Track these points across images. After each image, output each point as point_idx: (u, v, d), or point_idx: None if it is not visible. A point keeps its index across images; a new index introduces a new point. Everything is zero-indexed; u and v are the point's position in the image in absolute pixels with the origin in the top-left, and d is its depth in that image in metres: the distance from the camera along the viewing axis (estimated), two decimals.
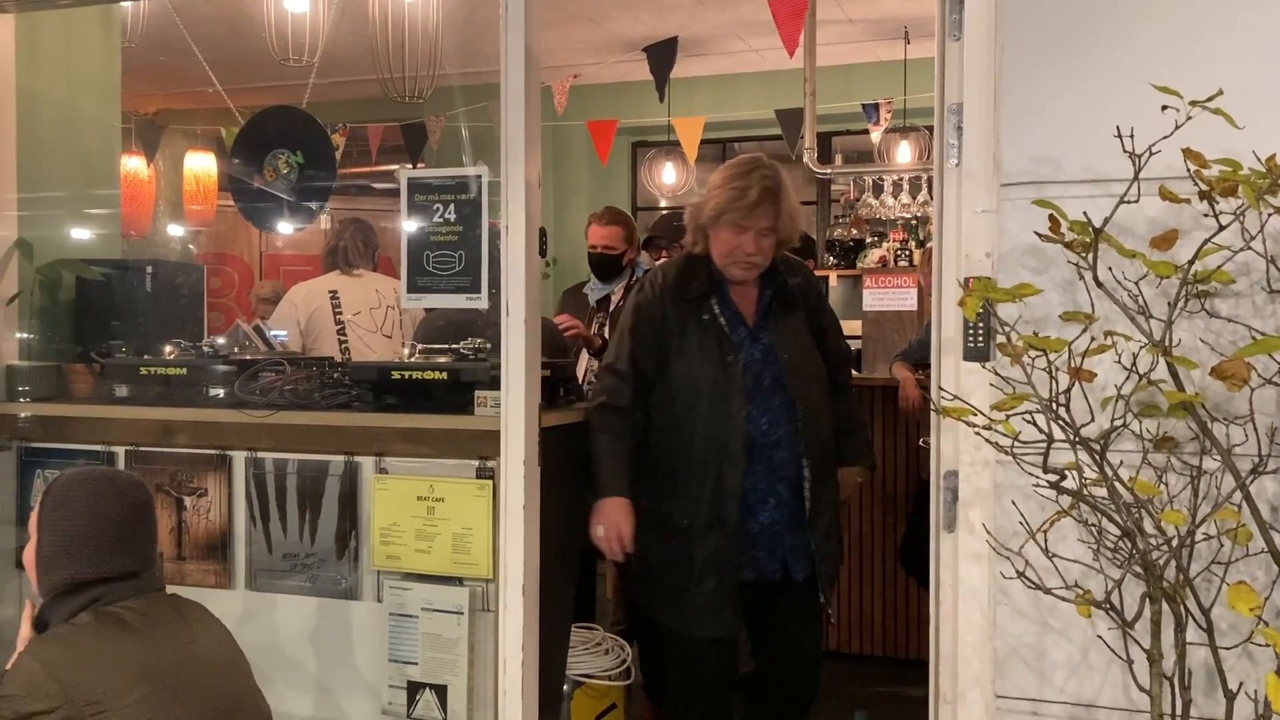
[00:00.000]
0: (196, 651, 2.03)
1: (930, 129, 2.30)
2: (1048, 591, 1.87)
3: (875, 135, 6.59)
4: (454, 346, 2.95)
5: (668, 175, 7.48)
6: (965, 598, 2.18)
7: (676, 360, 2.79)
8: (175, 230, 6.62)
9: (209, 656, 2.05)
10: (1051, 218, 1.82)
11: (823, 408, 2.83)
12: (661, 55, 5.59)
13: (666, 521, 2.77)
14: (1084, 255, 1.81)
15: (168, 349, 3.18)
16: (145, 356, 3.19)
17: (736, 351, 2.77)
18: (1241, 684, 1.82)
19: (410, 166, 5.85)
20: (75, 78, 3.53)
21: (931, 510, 2.25)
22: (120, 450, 3.02)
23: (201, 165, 6.16)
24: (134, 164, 5.96)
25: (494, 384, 2.62)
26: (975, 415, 1.85)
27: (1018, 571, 1.88)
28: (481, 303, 2.74)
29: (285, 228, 3.47)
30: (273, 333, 3.80)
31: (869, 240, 7.20)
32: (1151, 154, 1.78)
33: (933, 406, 2.20)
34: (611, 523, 2.74)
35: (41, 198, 3.28)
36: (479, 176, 2.73)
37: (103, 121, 3.72)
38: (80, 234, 3.59)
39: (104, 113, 3.73)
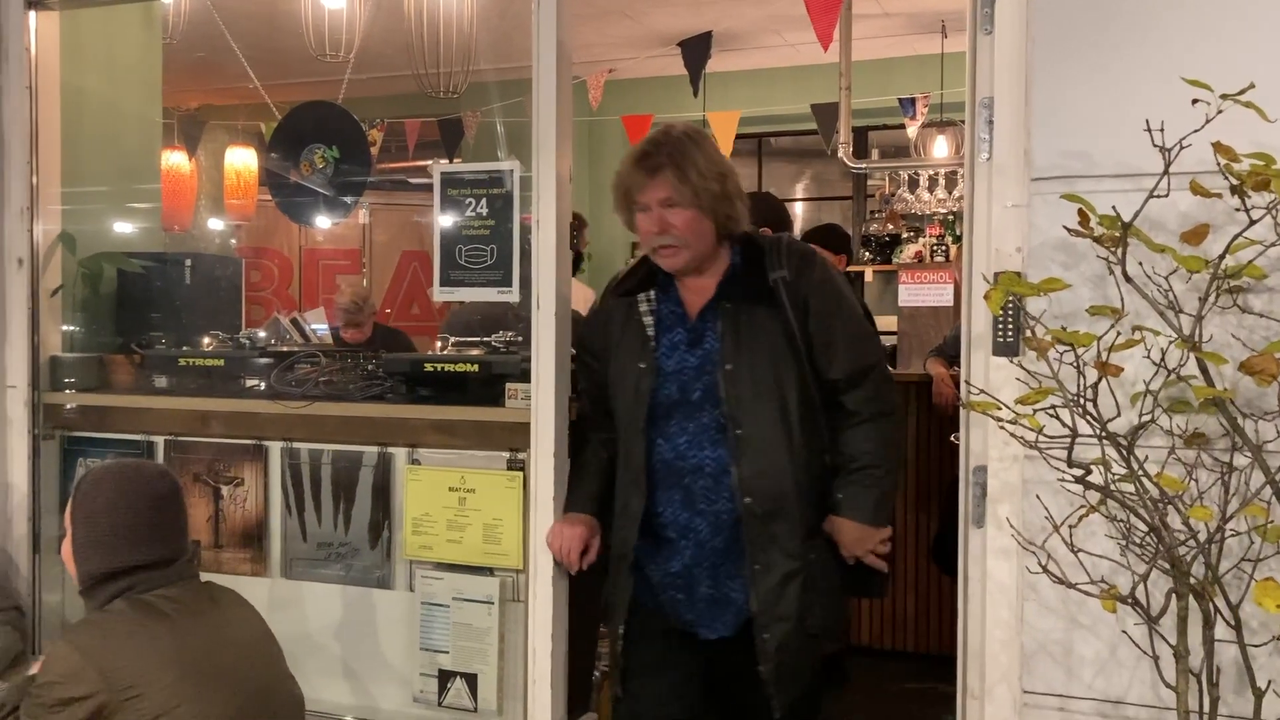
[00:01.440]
0: (229, 637, 2.08)
1: (966, 124, 2.29)
2: (1073, 586, 1.87)
3: (911, 130, 6.55)
4: (485, 339, 2.99)
5: None
6: (993, 593, 2.18)
7: (613, 365, 2.40)
8: (216, 224, 6.71)
9: (242, 642, 2.10)
10: (1081, 212, 1.81)
11: (776, 432, 2.22)
12: (696, 50, 5.58)
13: (608, 552, 2.47)
14: (1113, 250, 1.80)
15: (206, 341, 3.24)
16: (184, 348, 3.25)
17: (654, 356, 2.31)
18: (1271, 682, 1.81)
19: (446, 161, 5.89)
20: (118, 74, 3.60)
21: (960, 505, 2.25)
22: (160, 440, 3.08)
23: (242, 160, 6.25)
24: (176, 159, 6.05)
25: (525, 376, 2.65)
26: (1002, 410, 1.85)
27: (1043, 567, 1.87)
28: (513, 296, 2.76)
29: (321, 222, 3.51)
30: (312, 326, 3.85)
31: (905, 235, 7.16)
32: (1182, 148, 1.76)
33: (961, 401, 2.20)
34: (556, 538, 2.51)
35: (85, 192, 3.35)
36: (511, 171, 2.75)
37: (144, 117, 3.78)
38: (122, 228, 3.66)
39: (146, 108, 3.79)
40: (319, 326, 3.97)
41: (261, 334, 3.39)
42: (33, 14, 3.07)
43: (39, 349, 3.13)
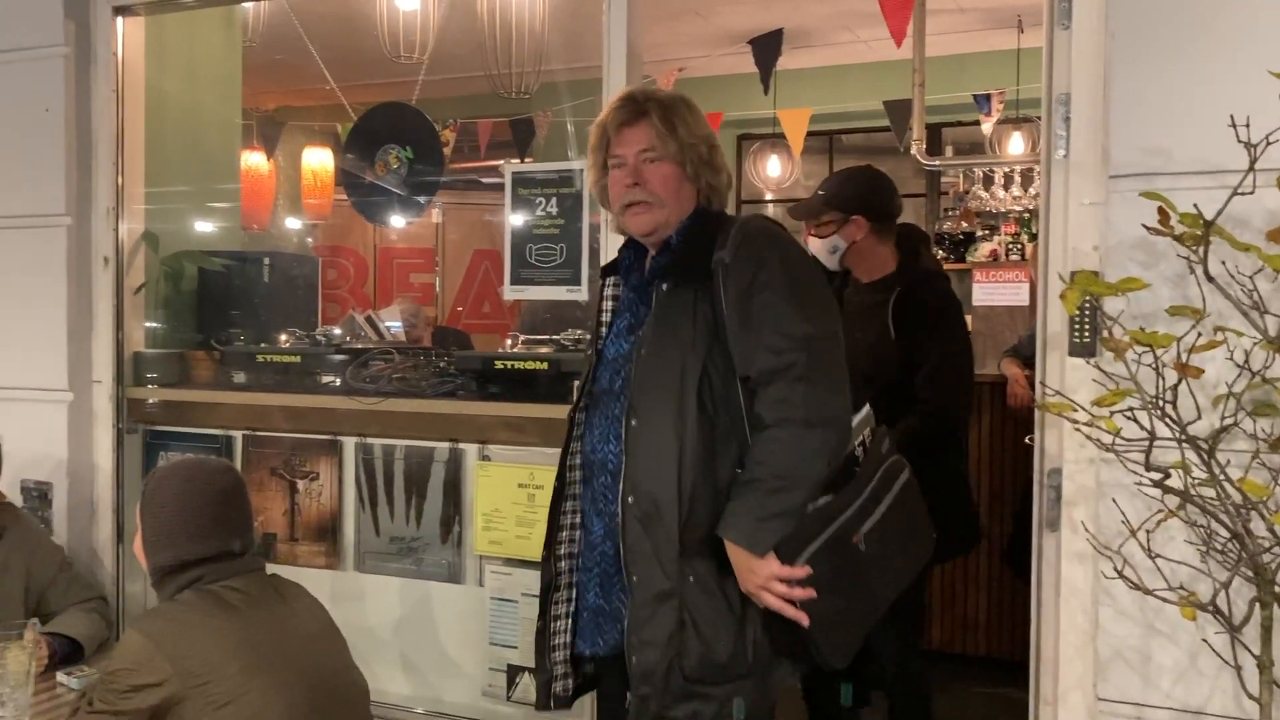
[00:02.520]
0: (294, 628, 2.12)
1: (1042, 120, 2.24)
2: (1151, 593, 1.83)
3: (986, 126, 6.44)
4: (555, 337, 3.01)
5: (773, 168, 7.44)
6: (1067, 598, 2.14)
7: None
8: (293, 223, 6.84)
9: (306, 633, 2.14)
10: (1161, 210, 1.77)
11: (667, 428, 1.93)
12: (767, 47, 5.55)
13: None
14: (1194, 249, 1.76)
15: (283, 338, 3.31)
16: (262, 345, 3.32)
17: (601, 342, 2.16)
18: None
19: (517, 161, 5.93)
20: (199, 77, 3.69)
21: (1034, 508, 2.21)
22: (238, 434, 3.15)
23: (319, 160, 6.36)
24: (255, 159, 6.17)
25: None
26: (1078, 411, 1.81)
27: (1119, 572, 1.83)
28: (581, 294, 2.78)
29: (395, 221, 3.57)
30: (386, 323, 3.91)
31: (979, 234, 7.05)
32: (1269, 143, 1.71)
33: (1035, 403, 2.16)
34: None
35: (167, 192, 3.44)
36: (581, 170, 2.77)
37: (224, 118, 3.87)
38: (203, 227, 3.75)
39: (226, 110, 3.88)
40: (393, 324, 4.03)
41: (337, 331, 3.45)
42: (120, 19, 3.17)
43: (123, 345, 3.22)
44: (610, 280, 2.20)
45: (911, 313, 2.85)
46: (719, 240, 2.00)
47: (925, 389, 2.82)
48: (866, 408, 2.08)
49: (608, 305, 2.19)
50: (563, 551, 2.14)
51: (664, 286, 2.02)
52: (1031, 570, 2.23)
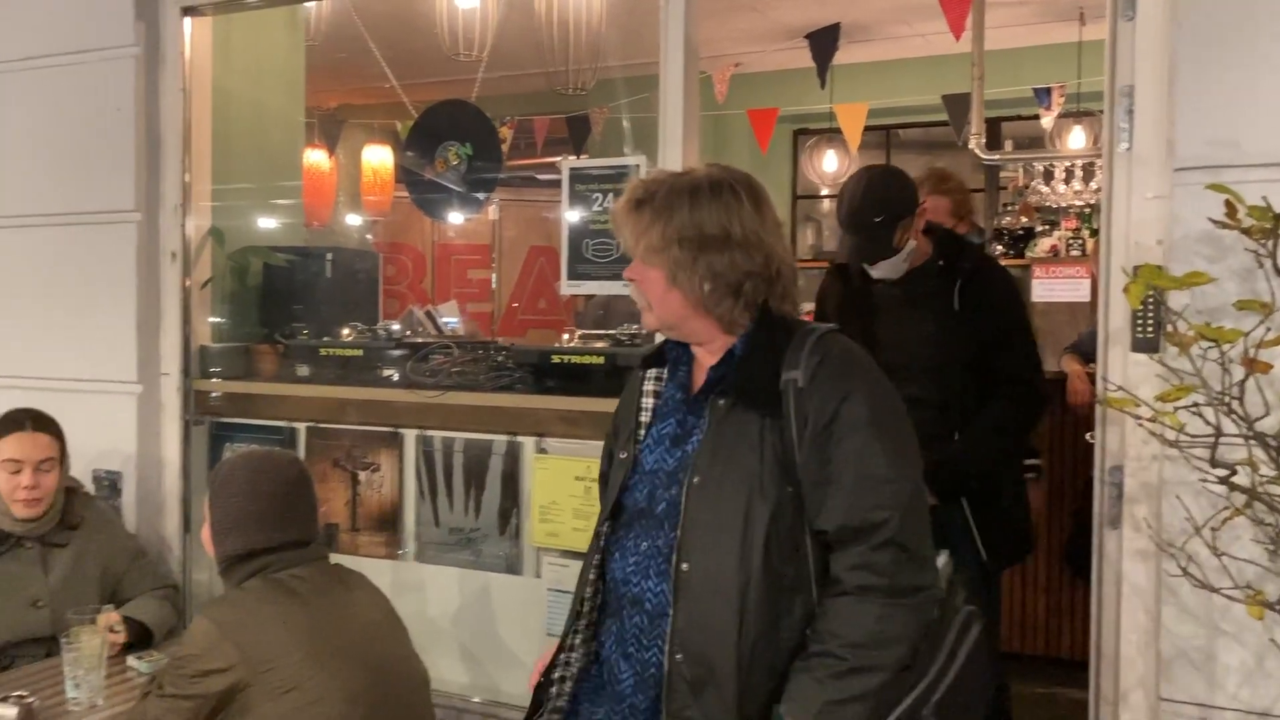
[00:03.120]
0: (357, 616, 2.16)
1: (1104, 113, 2.21)
2: (1216, 591, 1.80)
3: (1047, 120, 6.36)
4: (611, 332, 3.03)
5: (829, 163, 7.41)
6: (1129, 596, 2.12)
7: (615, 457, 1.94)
8: (354, 220, 6.93)
9: (368, 621, 2.18)
10: (1228, 203, 1.74)
11: (729, 577, 1.68)
12: (824, 42, 5.52)
13: None
14: (1263, 242, 1.73)
15: (345, 332, 3.37)
16: (325, 339, 3.38)
17: (638, 446, 1.86)
18: None
19: (574, 157, 5.97)
20: (264, 76, 3.76)
21: (1095, 506, 2.19)
22: (301, 426, 3.21)
23: (378, 158, 6.44)
24: (316, 157, 6.27)
25: None
26: (1140, 407, 1.79)
27: (1183, 570, 1.81)
28: None
29: (454, 217, 3.61)
30: (445, 319, 3.96)
31: (1039, 229, 6.95)
32: None
33: (1097, 399, 2.14)
34: None
35: (232, 189, 3.51)
36: (637, 166, 2.79)
37: (288, 117, 3.94)
38: (266, 223, 3.83)
39: (289, 108, 3.95)
40: (451, 319, 4.08)
41: (396, 326, 3.50)
42: (188, 20, 3.23)
43: (190, 338, 3.30)
44: (651, 374, 1.92)
45: (981, 292, 2.71)
46: (789, 357, 1.74)
47: (1012, 365, 2.70)
48: (945, 554, 1.83)
49: (647, 403, 1.90)
50: (556, 676, 1.87)
51: (722, 403, 1.76)
52: (1092, 569, 2.21)
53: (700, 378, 1.85)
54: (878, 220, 2.69)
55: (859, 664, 1.64)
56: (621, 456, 1.87)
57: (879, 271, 2.74)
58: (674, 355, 1.89)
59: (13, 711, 2.22)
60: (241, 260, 3.50)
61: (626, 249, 1.83)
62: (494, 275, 7.01)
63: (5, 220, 3.37)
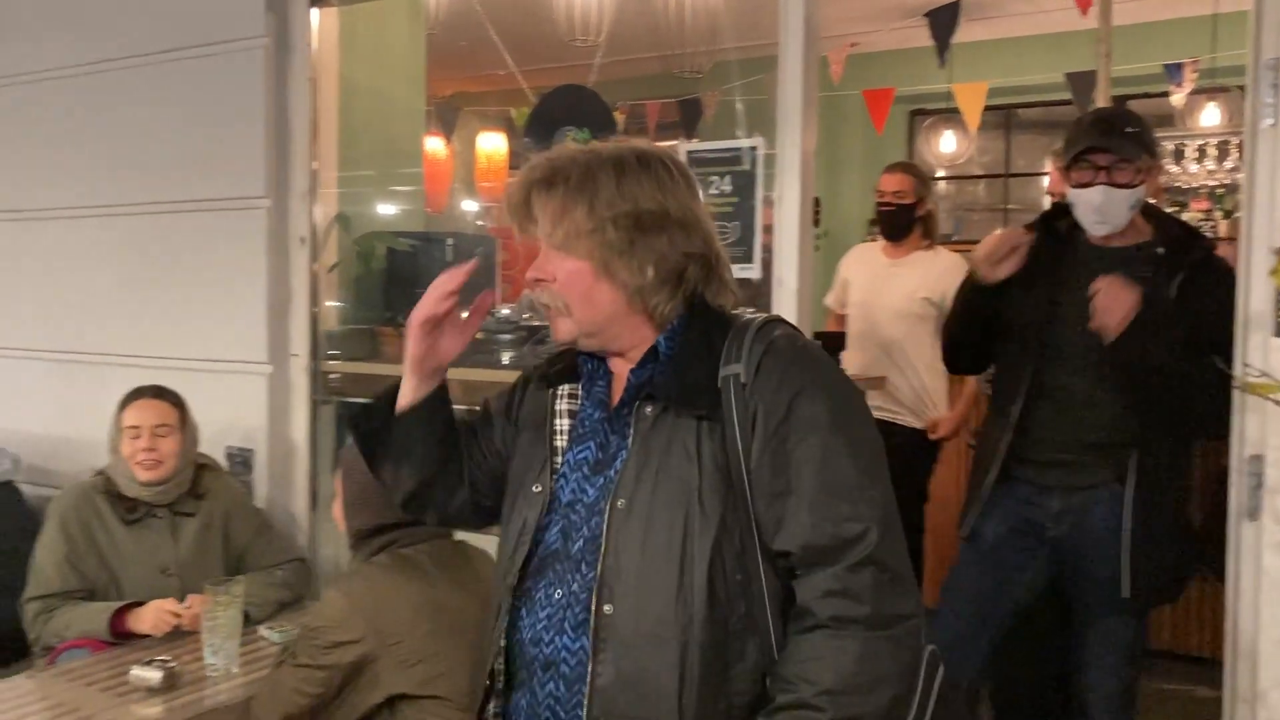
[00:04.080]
0: (480, 592, 2.21)
1: (1242, 89, 2.11)
2: None
3: (1177, 98, 6.11)
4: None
5: (946, 144, 7.26)
6: (1267, 590, 2.04)
7: (516, 460, 1.65)
8: (469, 205, 7.05)
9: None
10: None
11: (666, 620, 1.39)
12: (943, 19, 5.39)
13: None
14: None
15: (465, 315, 3.42)
16: None
17: (553, 478, 1.55)
18: None
19: (690, 141, 5.97)
20: (386, 65, 3.85)
21: (1231, 496, 2.11)
22: None
23: (493, 144, 6.53)
24: (434, 144, 6.39)
25: None
26: None
27: None
28: (754, 272, 2.78)
29: None
30: None
31: (1169, 209, 6.71)
32: None
33: (1235, 384, 2.06)
34: None
35: (357, 175, 3.61)
36: (754, 149, 2.78)
37: (409, 105, 4.03)
38: (389, 209, 3.92)
39: (410, 96, 4.04)
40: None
41: (508, 310, 3.55)
42: (315, 11, 3.32)
43: (317, 320, 3.40)
44: (563, 391, 1.60)
45: (1207, 290, 2.36)
46: (727, 349, 1.46)
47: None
48: None
49: (561, 425, 1.58)
50: None
51: (648, 410, 1.47)
52: (1227, 562, 2.13)
53: (619, 388, 1.55)
54: (1130, 130, 2.47)
55: (841, 715, 1.33)
56: (534, 490, 1.55)
57: (1100, 217, 2.44)
58: (589, 368, 1.58)
59: (157, 675, 2.34)
60: (366, 245, 3.59)
61: (531, 238, 1.53)
62: None
63: (144, 207, 3.53)
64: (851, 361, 3.84)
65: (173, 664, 2.37)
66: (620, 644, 1.40)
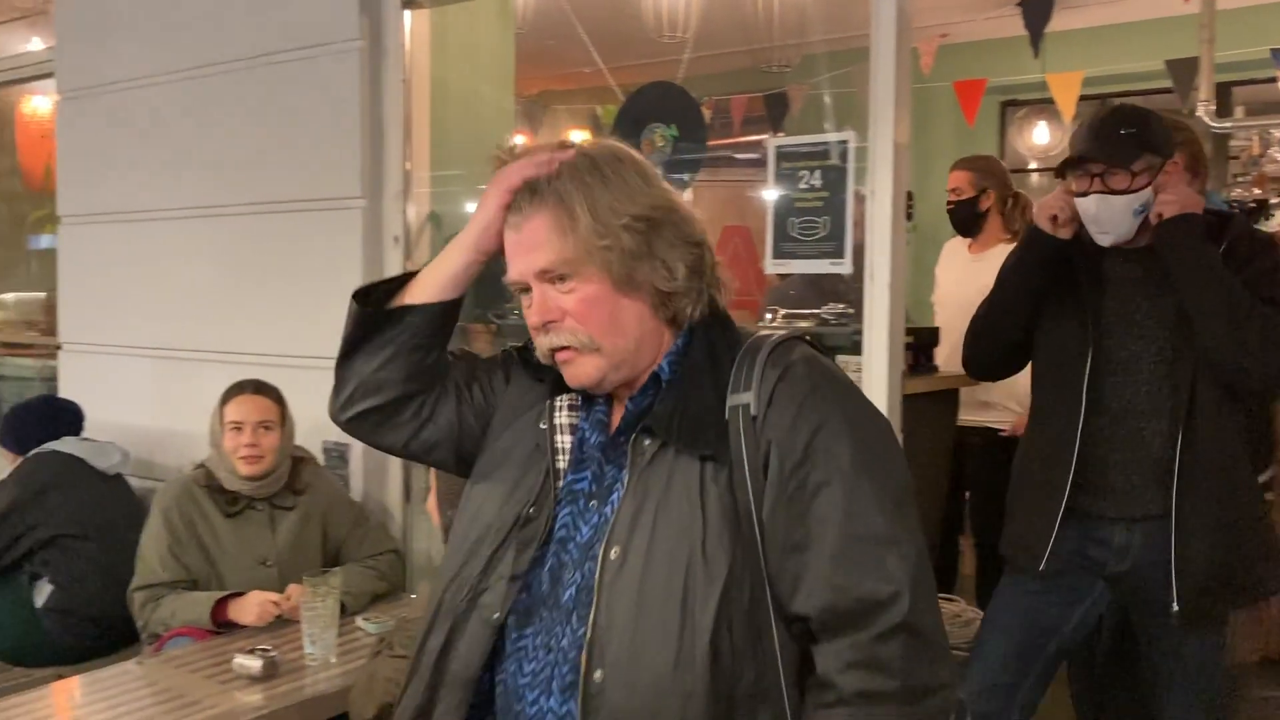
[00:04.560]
0: None
1: None
2: None
3: None
4: (816, 311, 3.00)
5: (1039, 135, 7.10)
6: None
7: (478, 480, 1.48)
8: None
9: None
10: None
11: (662, 697, 1.24)
12: (1037, 8, 5.27)
13: None
14: None
15: None
16: None
17: (553, 504, 1.37)
18: None
19: (777, 135, 5.95)
20: (476, 65, 3.89)
21: None
22: None
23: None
24: (520, 142, 6.46)
25: (856, 349, 2.64)
26: None
27: None
28: (845, 267, 2.75)
29: None
30: None
31: (1275, 200, 6.46)
32: None
33: None
34: None
35: (448, 175, 3.66)
36: (844, 142, 2.75)
37: (498, 104, 4.07)
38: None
39: (499, 96, 4.08)
40: None
41: None
42: (407, 13, 3.38)
43: None
44: (563, 401, 1.41)
45: (1248, 275, 2.25)
46: (735, 374, 1.30)
47: None
48: None
49: (563, 443, 1.40)
50: None
51: (646, 444, 1.30)
52: None
53: (619, 414, 1.39)
54: (1125, 132, 2.29)
55: None
56: (529, 512, 1.37)
57: (1093, 209, 2.30)
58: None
59: (258, 664, 2.40)
60: None
61: (517, 284, 1.36)
62: None
63: (243, 208, 3.62)
64: (940, 356, 3.78)
65: (273, 653, 2.43)
66: (611, 716, 1.24)
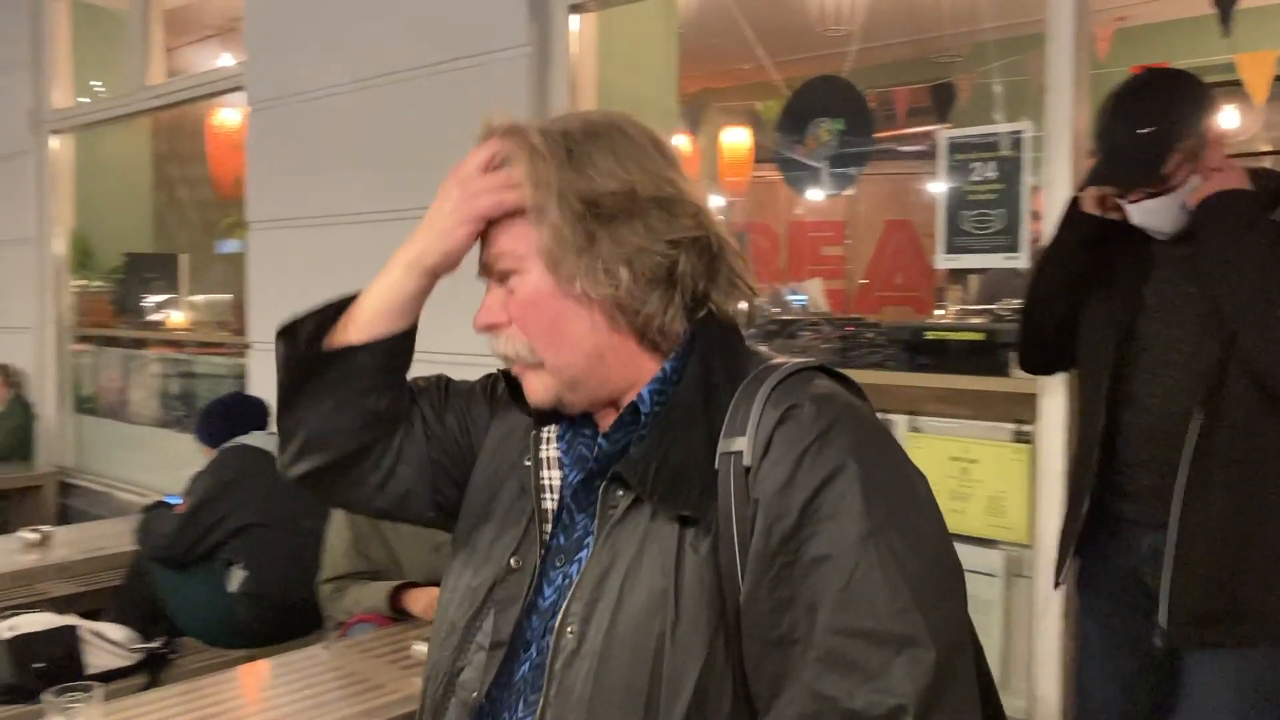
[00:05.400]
0: None
1: None
2: None
3: None
4: (989, 307, 2.93)
5: (1227, 119, 6.72)
6: None
7: (459, 538, 1.26)
8: (715, 200, 7.13)
9: None
10: None
11: None
12: None
13: None
14: None
15: None
16: None
17: (540, 553, 1.15)
18: None
19: (939, 127, 5.80)
20: (640, 66, 3.93)
21: None
22: None
23: (737, 139, 6.57)
24: (678, 141, 6.49)
25: None
26: None
27: None
28: (1020, 261, 2.67)
29: (826, 194, 3.61)
30: (799, 297, 3.98)
31: None
32: None
33: None
34: None
35: None
36: (1019, 133, 2.66)
37: (662, 104, 4.10)
38: None
39: (662, 96, 4.11)
40: (796, 299, 4.09)
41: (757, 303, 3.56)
42: (574, 17, 3.44)
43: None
44: (550, 432, 1.19)
45: None
46: (735, 414, 1.05)
47: None
48: None
49: (551, 479, 1.17)
50: None
51: (619, 494, 1.08)
52: None
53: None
54: (1143, 132, 1.97)
55: None
56: (512, 564, 1.15)
57: (1139, 217, 2.02)
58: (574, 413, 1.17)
59: None
60: None
61: (481, 269, 1.16)
62: (847, 251, 6.99)
63: (421, 211, 3.72)
64: None
65: None
66: None
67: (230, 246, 6.14)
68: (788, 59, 4.39)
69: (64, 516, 5.23)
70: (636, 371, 1.10)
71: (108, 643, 3.32)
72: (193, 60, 6.18)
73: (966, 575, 2.05)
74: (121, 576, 3.73)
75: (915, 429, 2.84)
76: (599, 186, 1.06)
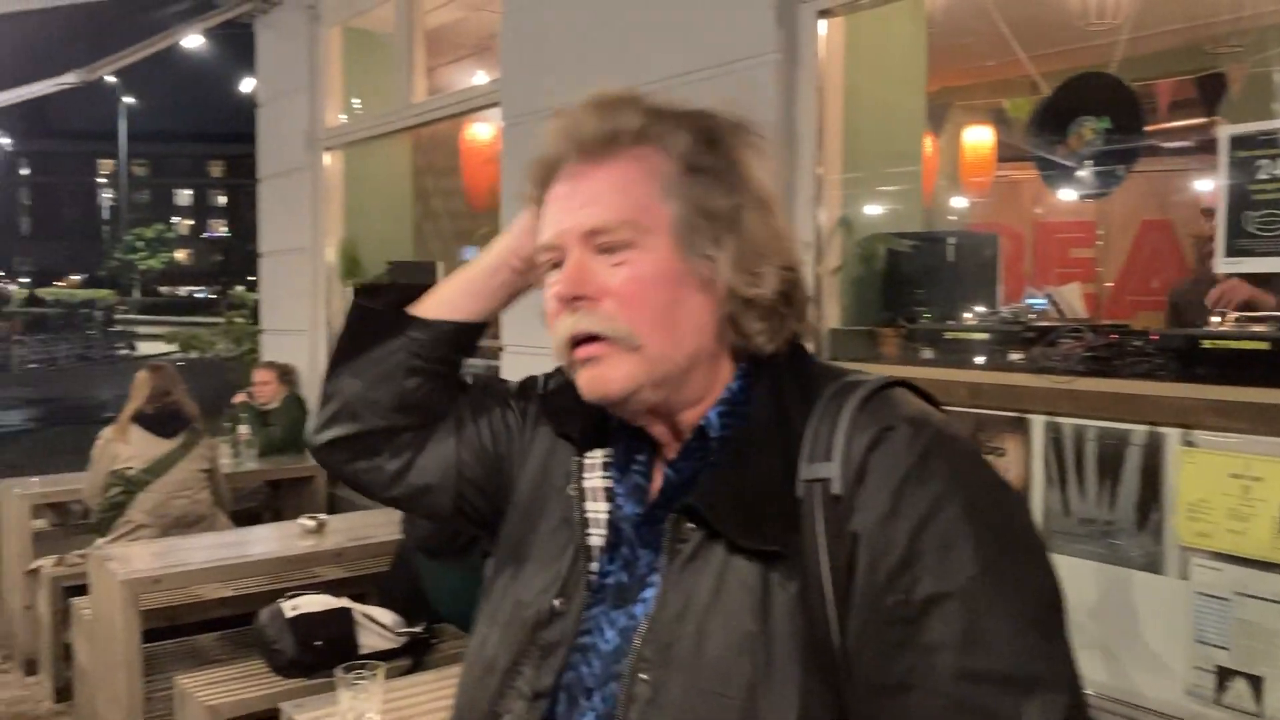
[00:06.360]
0: None
1: None
2: None
3: None
4: (1274, 314, 2.73)
5: None
6: None
7: (498, 566, 1.22)
8: (957, 202, 6.93)
9: None
10: None
11: None
12: None
13: None
14: None
15: (967, 315, 3.38)
16: (948, 322, 3.42)
17: (583, 592, 1.07)
18: None
19: (1206, 120, 5.43)
20: (887, 68, 3.88)
21: None
22: None
23: (980, 138, 6.37)
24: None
25: None
26: None
27: None
28: None
29: (1089, 194, 3.46)
30: (1027, 300, 3.83)
31: None
32: None
33: None
34: None
35: (858, 179, 3.67)
36: None
37: (909, 105, 4.04)
38: (888, 210, 3.96)
39: (909, 97, 4.04)
40: (1036, 302, 3.92)
41: (1007, 310, 3.44)
42: (822, 22, 3.43)
43: (820, 322, 3.50)
44: (594, 459, 1.12)
45: None
46: (816, 436, 0.97)
47: None
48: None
49: (597, 513, 1.10)
50: None
51: (689, 527, 0.98)
52: None
53: (659, 472, 1.07)
54: None
55: None
56: (556, 605, 1.06)
57: None
58: (623, 436, 1.09)
59: None
60: (869, 247, 3.65)
61: (553, 245, 1.06)
62: (1098, 255, 6.65)
63: None
64: None
65: None
66: None
67: (470, 254, 6.47)
68: (1037, 53, 4.22)
69: (333, 506, 5.64)
70: (709, 387, 1.03)
71: (378, 625, 3.57)
72: (449, 79, 6.54)
73: (1248, 602, 1.96)
74: (387, 564, 4.00)
75: (1189, 443, 2.68)
76: (749, 179, 1.07)
